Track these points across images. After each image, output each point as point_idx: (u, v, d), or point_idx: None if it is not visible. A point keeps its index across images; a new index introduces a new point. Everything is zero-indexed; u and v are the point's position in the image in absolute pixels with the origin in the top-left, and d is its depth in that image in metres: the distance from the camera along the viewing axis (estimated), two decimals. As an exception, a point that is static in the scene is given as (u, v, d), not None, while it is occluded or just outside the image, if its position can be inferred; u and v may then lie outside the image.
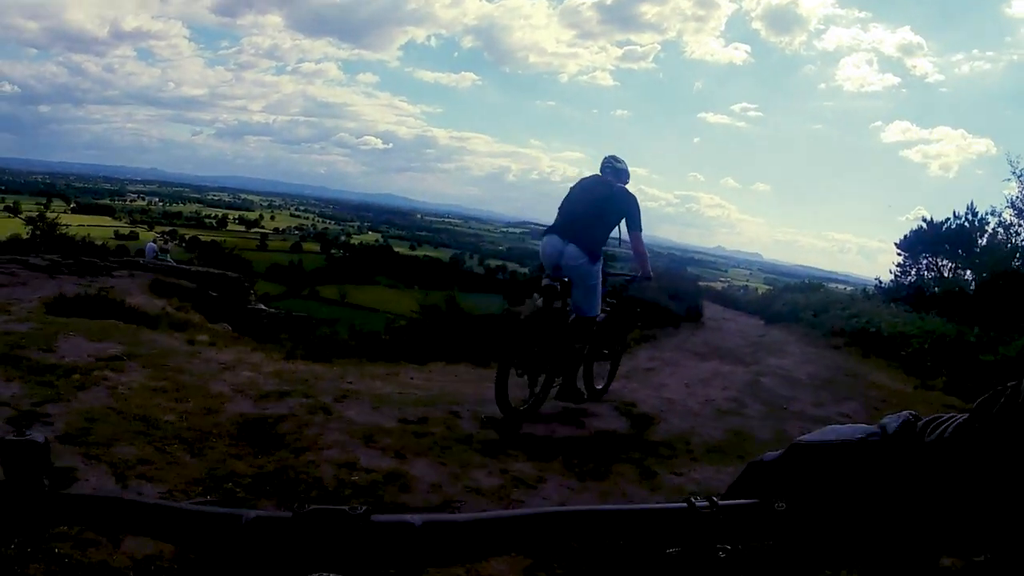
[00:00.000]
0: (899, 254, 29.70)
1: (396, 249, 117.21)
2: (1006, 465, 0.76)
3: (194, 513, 0.83)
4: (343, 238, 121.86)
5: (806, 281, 28.40)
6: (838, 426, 0.90)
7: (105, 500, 0.84)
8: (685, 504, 0.83)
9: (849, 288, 33.30)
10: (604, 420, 7.26)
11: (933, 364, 12.48)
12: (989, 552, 0.80)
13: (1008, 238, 26.92)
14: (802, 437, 0.89)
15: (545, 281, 6.63)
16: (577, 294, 6.68)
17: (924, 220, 29.52)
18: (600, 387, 7.86)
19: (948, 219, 28.78)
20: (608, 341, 7.87)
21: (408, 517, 0.82)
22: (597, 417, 7.30)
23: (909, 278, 29.18)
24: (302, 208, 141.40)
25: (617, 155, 7.04)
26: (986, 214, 27.75)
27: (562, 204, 6.91)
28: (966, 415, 0.83)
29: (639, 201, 6.92)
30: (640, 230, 6.80)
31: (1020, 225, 26.51)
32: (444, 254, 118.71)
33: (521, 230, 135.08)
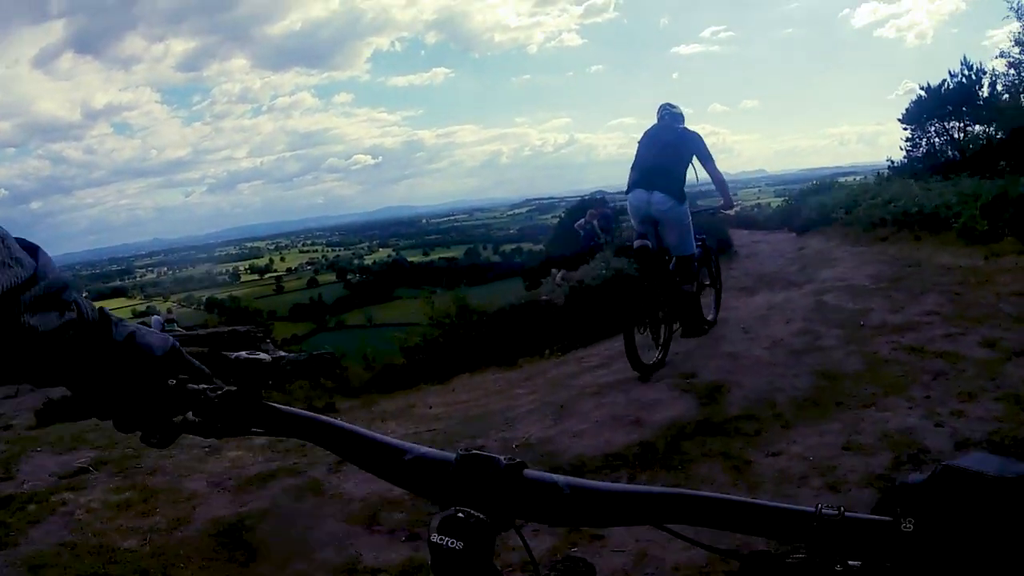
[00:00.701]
0: (905, 128, 28.63)
1: (410, 259, 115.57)
2: None
3: (371, 440, 1.00)
4: (356, 262, 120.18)
5: (814, 183, 27.36)
6: (994, 456, 0.74)
7: (306, 418, 1.05)
8: (812, 509, 0.79)
9: (859, 177, 33.23)
10: (665, 408, 5.85)
11: (991, 228, 11.17)
12: None
13: (1019, 81, 25.30)
14: (953, 461, 0.73)
15: (637, 243, 6.79)
16: (672, 236, 6.84)
17: (921, 88, 28.45)
18: (711, 317, 8.08)
19: (944, 80, 27.58)
20: (708, 274, 8.17)
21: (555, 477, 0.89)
22: (655, 407, 5.89)
23: (921, 150, 27.93)
24: (309, 242, 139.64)
25: (671, 101, 7.30)
26: (981, 68, 26.79)
27: (635, 159, 7.00)
28: None
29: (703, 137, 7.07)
30: (713, 161, 6.96)
31: None
32: (458, 252, 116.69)
33: (528, 208, 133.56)
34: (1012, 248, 10.12)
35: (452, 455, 0.91)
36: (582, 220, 18.04)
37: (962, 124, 26.91)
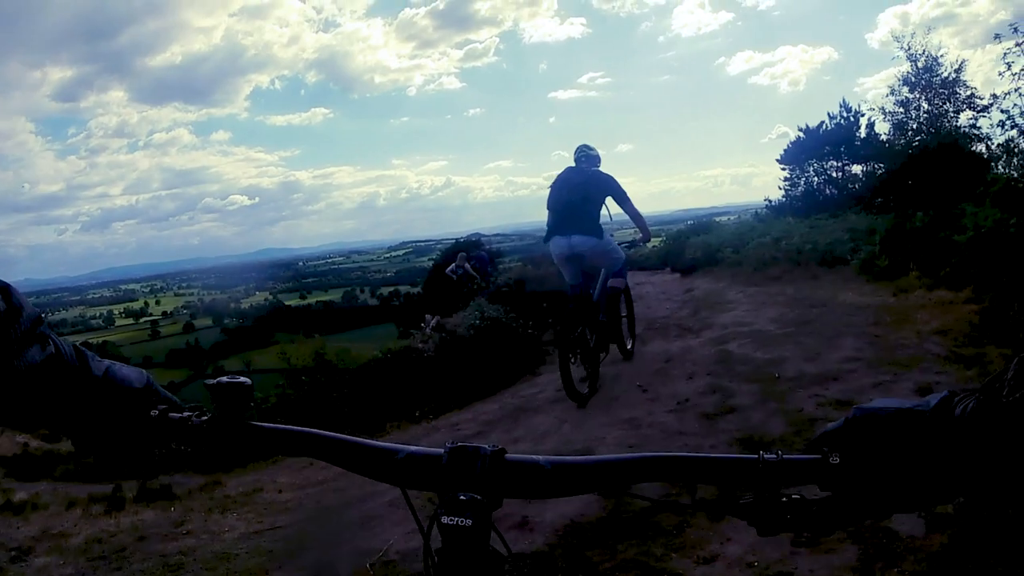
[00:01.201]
0: (783, 168, 28.85)
1: (287, 303, 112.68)
2: (1012, 442, 0.80)
3: (362, 445, 1.04)
4: (233, 305, 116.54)
5: (690, 223, 27.27)
6: (894, 399, 0.92)
7: (295, 432, 1.07)
8: (756, 456, 0.91)
9: (733, 217, 33.47)
10: (561, 501, 4.53)
11: (892, 263, 10.72)
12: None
13: (908, 120, 25.92)
14: (862, 405, 0.91)
15: (571, 302, 6.89)
16: (603, 262, 7.10)
17: (800, 129, 28.95)
18: (630, 347, 8.24)
19: (822, 122, 27.81)
20: (624, 305, 8.13)
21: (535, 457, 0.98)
22: (548, 501, 4.54)
23: (799, 189, 28.03)
24: (185, 284, 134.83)
25: (587, 143, 7.39)
26: (859, 111, 27.21)
27: (550, 204, 7.11)
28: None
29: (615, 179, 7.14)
30: (628, 199, 7.10)
31: (916, 100, 25.79)
32: (336, 295, 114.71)
33: (404, 251, 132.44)
34: (919, 283, 9.47)
35: (441, 450, 0.98)
36: (454, 264, 17.62)
37: (841, 163, 27.42)
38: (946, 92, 24.57)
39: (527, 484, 0.96)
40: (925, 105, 25.03)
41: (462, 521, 0.90)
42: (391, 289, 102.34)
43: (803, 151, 27.74)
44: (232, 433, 1.05)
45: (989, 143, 22.97)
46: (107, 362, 1.07)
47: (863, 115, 27.52)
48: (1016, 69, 19.67)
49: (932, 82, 24.78)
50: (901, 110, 25.53)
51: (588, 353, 6.88)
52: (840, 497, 0.88)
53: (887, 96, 25.75)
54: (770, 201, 28.91)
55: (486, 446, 0.96)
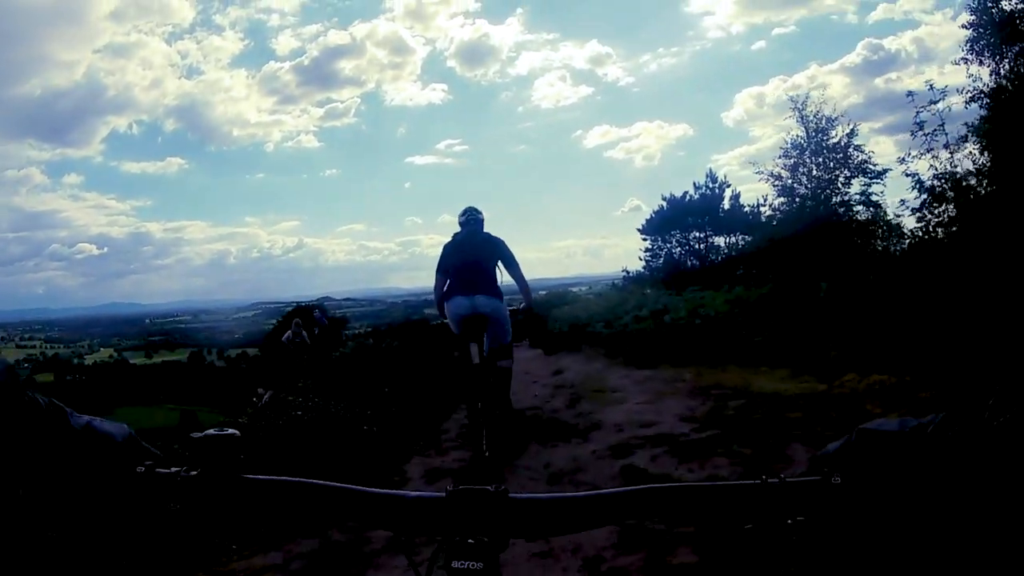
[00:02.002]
0: (645, 239, 27.94)
1: (132, 361, 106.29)
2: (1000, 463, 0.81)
3: (363, 493, 0.99)
4: (76, 360, 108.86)
5: (543, 292, 26.06)
6: (895, 420, 0.92)
7: (292, 484, 1.00)
8: (759, 481, 0.91)
9: (586, 288, 33.26)
10: None
11: (800, 340, 9.14)
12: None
13: (796, 185, 24.52)
14: (864, 425, 0.92)
15: (475, 359, 6.70)
16: (496, 329, 6.82)
17: (664, 198, 27.90)
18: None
19: (686, 192, 26.82)
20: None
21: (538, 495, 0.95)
22: None
23: (660, 259, 26.88)
24: (27, 336, 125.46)
25: (474, 206, 7.41)
26: (725, 182, 26.27)
27: (449, 267, 7.00)
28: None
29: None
30: (518, 266, 7.06)
31: (806, 165, 23.91)
32: (182, 354, 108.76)
33: (253, 312, 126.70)
34: (850, 367, 7.54)
35: (442, 493, 0.95)
36: (290, 332, 16.19)
37: (704, 234, 26.26)
38: (838, 156, 23.33)
39: (532, 523, 0.94)
40: (814, 171, 23.53)
41: (473, 565, 0.89)
42: (239, 351, 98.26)
43: (666, 221, 26.59)
44: (225, 488, 0.99)
45: (877, 212, 21.92)
46: (87, 417, 1.00)
47: (728, 186, 26.63)
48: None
49: (823, 145, 23.55)
50: (788, 174, 23.84)
51: (484, 415, 6.51)
52: (847, 518, 0.89)
53: (777, 159, 24.14)
54: (628, 272, 27.94)
55: (489, 487, 0.94)
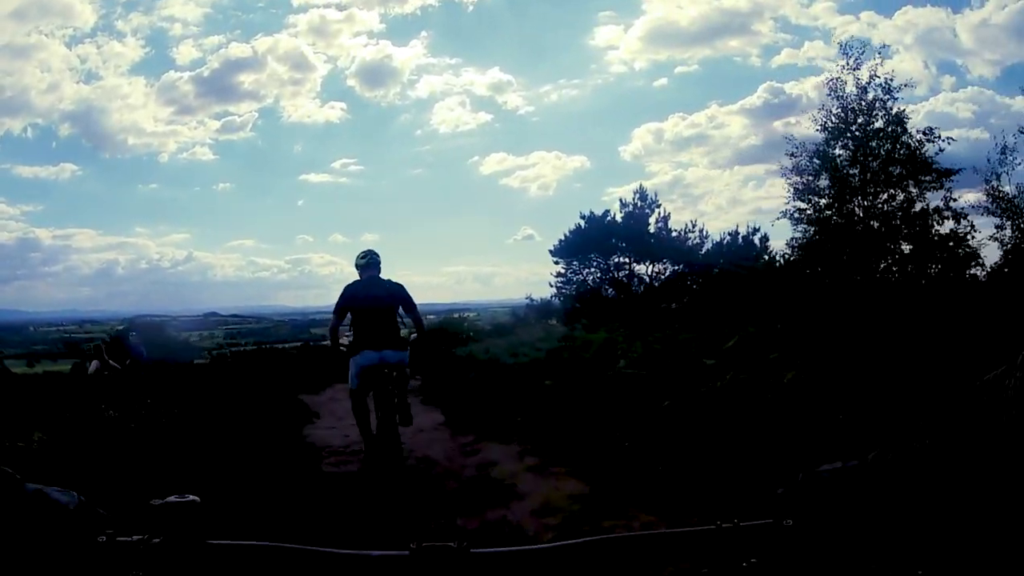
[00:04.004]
0: (556, 262, 24.25)
1: (14, 370, 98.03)
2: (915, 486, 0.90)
3: (330, 555, 0.98)
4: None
5: (431, 317, 23.29)
6: (840, 463, 0.98)
7: (259, 548, 0.98)
8: (713, 526, 0.95)
9: (474, 314, 31.73)
10: None
11: None
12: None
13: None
14: (808, 470, 0.97)
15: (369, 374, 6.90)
16: (400, 377, 7.09)
17: (583, 216, 23.71)
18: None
19: (607, 211, 23.18)
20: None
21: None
22: None
23: (574, 287, 23.26)
24: None
25: (372, 249, 7.48)
26: (655, 201, 22.78)
27: (350, 311, 7.16)
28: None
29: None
30: (416, 307, 7.40)
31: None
32: (65, 366, 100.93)
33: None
34: None
35: (405, 552, 0.96)
36: (96, 363, 13.94)
37: (629, 260, 22.62)
38: (889, 148, 19.28)
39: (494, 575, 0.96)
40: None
41: None
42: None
43: (584, 242, 22.76)
44: (189, 555, 0.97)
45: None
46: (35, 485, 0.97)
47: (658, 205, 22.92)
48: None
49: (867, 131, 19.40)
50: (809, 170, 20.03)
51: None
52: (800, 559, 0.92)
53: (796, 150, 20.14)
54: (532, 299, 24.31)
55: (452, 544, 0.95)
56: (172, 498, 0.97)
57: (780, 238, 32.01)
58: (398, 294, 7.15)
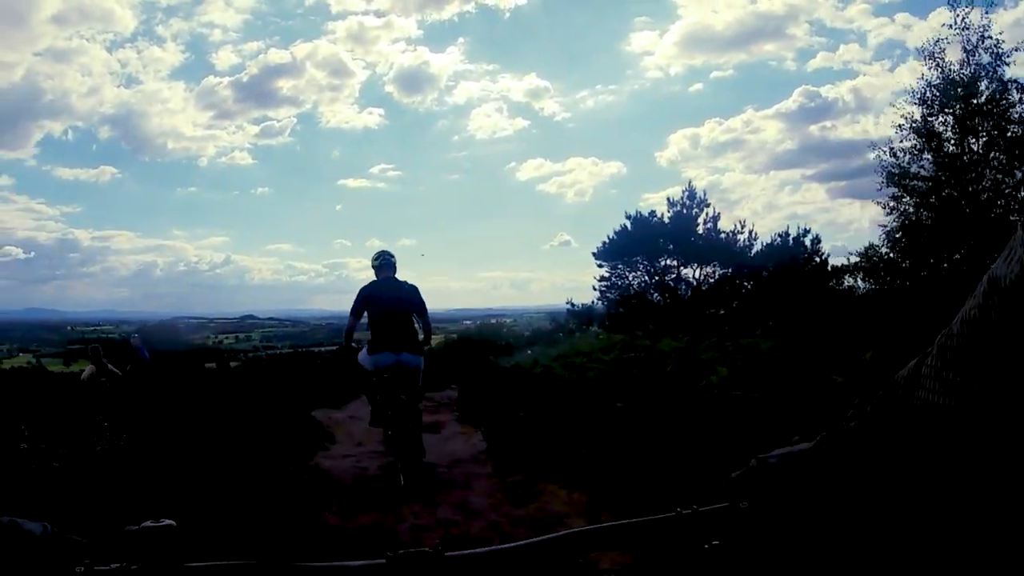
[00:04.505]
0: (600, 265, 22.45)
1: (51, 368, 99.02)
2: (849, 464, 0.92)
3: (306, 569, 0.95)
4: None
5: (467, 323, 21.99)
6: (789, 447, 0.99)
7: (237, 567, 0.94)
8: (673, 513, 0.97)
9: (510, 320, 31.04)
10: None
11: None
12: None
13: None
14: (761, 455, 0.99)
15: (385, 376, 6.82)
16: (414, 380, 6.87)
17: (628, 216, 21.87)
18: None
19: (652, 212, 21.32)
20: None
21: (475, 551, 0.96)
22: None
23: (618, 291, 21.42)
24: None
25: (388, 249, 7.41)
26: (704, 200, 20.85)
27: (366, 313, 7.09)
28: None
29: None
30: (427, 312, 7.27)
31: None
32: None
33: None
34: None
35: (382, 560, 0.94)
36: (92, 368, 12.19)
37: (677, 262, 20.81)
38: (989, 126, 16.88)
39: None
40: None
41: None
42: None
43: (630, 244, 21.20)
44: None
45: None
46: (7, 518, 0.91)
47: (707, 204, 21.03)
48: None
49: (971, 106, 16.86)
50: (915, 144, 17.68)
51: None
52: (757, 540, 0.95)
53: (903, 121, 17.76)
54: (573, 305, 22.50)
55: (427, 549, 0.94)
56: (147, 523, 0.92)
57: (827, 240, 30.36)
58: (413, 298, 7.14)
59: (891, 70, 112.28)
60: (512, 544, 0.95)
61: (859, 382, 5.76)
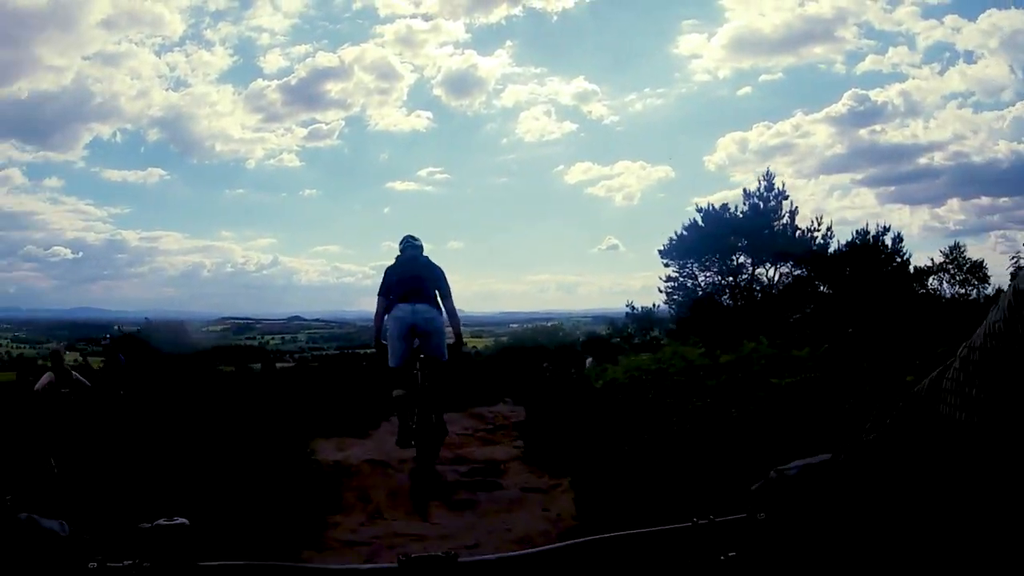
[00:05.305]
0: (667, 264, 20.34)
1: (95, 367, 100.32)
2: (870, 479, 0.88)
3: (319, 570, 0.97)
4: (40, 362, 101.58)
5: (513, 325, 20.86)
6: (809, 459, 0.97)
7: (251, 567, 0.92)
8: (690, 524, 0.95)
9: (554, 322, 30.34)
10: None
11: None
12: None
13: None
14: (780, 467, 0.96)
15: (396, 393, 6.76)
16: (433, 341, 6.82)
17: (699, 210, 19.75)
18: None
19: (725, 206, 19.22)
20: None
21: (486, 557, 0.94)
22: None
23: (685, 293, 19.47)
24: None
25: (412, 234, 7.35)
26: (782, 192, 18.74)
27: (394, 281, 7.01)
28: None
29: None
30: (451, 296, 7.15)
31: None
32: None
33: (222, 327, 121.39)
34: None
35: (394, 564, 0.93)
36: (49, 376, 9.58)
37: (752, 261, 18.85)
38: None
39: None
40: None
41: None
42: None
43: (702, 241, 19.24)
44: None
45: None
46: (25, 513, 0.91)
47: (786, 196, 18.98)
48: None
49: None
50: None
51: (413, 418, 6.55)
52: (774, 551, 0.92)
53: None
54: (633, 308, 20.64)
55: (439, 554, 0.92)
56: (161, 521, 0.90)
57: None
58: (437, 272, 7.05)
59: (940, 73, 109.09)
60: (526, 551, 0.94)
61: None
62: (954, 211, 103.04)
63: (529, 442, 8.16)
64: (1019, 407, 0.72)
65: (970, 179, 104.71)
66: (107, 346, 13.60)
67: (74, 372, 10.03)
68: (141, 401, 10.02)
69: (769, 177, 19.36)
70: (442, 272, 7.07)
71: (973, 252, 19.70)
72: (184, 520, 0.91)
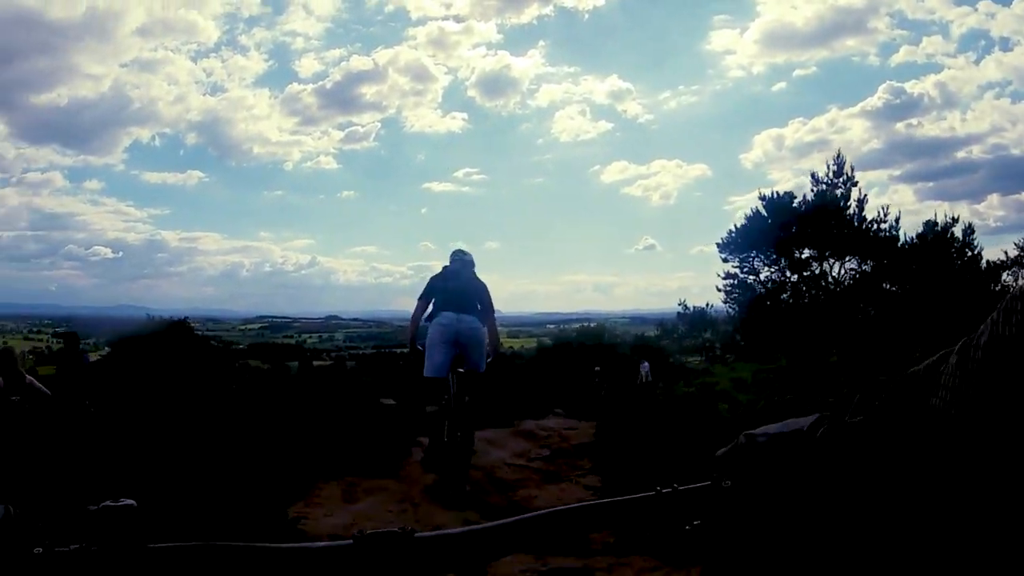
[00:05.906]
0: (726, 259, 18.47)
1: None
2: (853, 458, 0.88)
3: (270, 549, 0.92)
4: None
5: (562, 327, 21.04)
6: (780, 423, 0.96)
7: (199, 548, 0.91)
8: (653, 493, 0.95)
9: (592, 324, 29.37)
10: None
11: None
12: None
13: None
14: (749, 431, 0.96)
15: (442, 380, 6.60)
16: (475, 354, 6.72)
17: (761, 198, 17.66)
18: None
19: (789, 194, 17.32)
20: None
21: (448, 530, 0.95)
22: None
23: (747, 291, 17.56)
24: (35, 329, 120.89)
25: (461, 248, 7.38)
26: (851, 178, 16.76)
27: (439, 288, 6.99)
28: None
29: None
30: (493, 312, 7.08)
31: None
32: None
33: (260, 325, 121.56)
34: None
35: (349, 540, 0.92)
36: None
37: (819, 256, 17.11)
38: None
39: (440, 560, 0.92)
40: None
41: None
42: (239, 363, 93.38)
43: (764, 233, 17.36)
44: (130, 560, 0.89)
45: None
46: None
47: (855, 183, 17.31)
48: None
49: None
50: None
51: (449, 432, 6.39)
52: (739, 519, 0.91)
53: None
54: (687, 308, 19.09)
55: (395, 529, 0.92)
56: (107, 503, 0.89)
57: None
58: (481, 288, 6.95)
59: (976, 62, 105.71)
60: (487, 524, 0.93)
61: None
62: (994, 207, 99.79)
63: (610, 479, 6.11)
64: (1019, 410, 0.71)
65: (1010, 172, 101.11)
66: (66, 336, 11.46)
67: (28, 376, 8.07)
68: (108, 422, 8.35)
69: (839, 161, 17.49)
70: (486, 289, 7.06)
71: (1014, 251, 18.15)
72: (131, 501, 0.88)
